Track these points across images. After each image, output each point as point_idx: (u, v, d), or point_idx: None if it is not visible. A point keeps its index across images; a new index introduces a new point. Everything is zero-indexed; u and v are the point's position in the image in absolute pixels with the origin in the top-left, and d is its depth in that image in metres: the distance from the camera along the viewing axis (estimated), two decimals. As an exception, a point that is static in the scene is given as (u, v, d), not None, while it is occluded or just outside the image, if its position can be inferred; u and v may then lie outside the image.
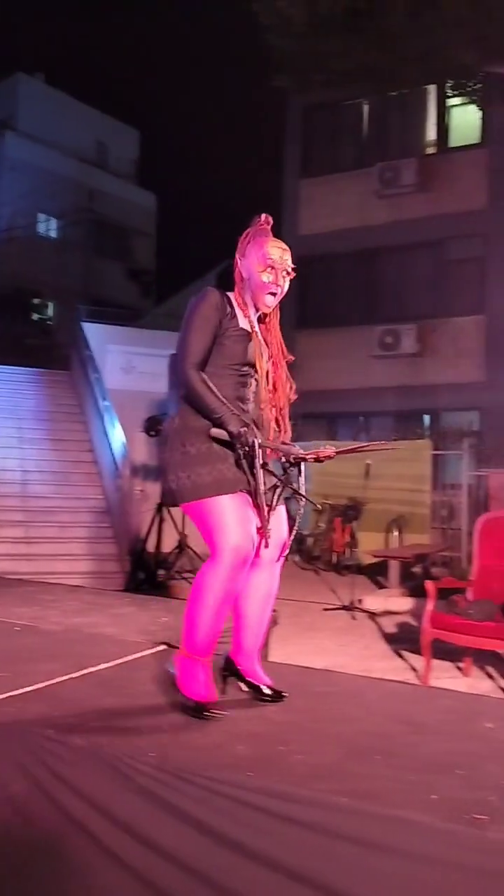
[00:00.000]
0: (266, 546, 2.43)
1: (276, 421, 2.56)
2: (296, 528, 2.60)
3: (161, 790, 1.97)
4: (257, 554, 2.44)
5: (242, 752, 2.12)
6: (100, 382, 10.41)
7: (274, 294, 2.53)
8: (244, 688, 2.56)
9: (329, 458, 2.49)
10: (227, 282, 2.63)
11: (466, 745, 2.24)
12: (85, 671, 2.82)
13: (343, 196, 14.08)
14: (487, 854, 1.67)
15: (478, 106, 11.31)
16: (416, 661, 5.15)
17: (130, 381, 11.73)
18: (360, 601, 7.29)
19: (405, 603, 7.28)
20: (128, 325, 13.89)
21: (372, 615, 7.01)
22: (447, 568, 9.52)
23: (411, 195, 13.47)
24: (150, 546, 8.04)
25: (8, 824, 2.11)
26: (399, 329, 13.07)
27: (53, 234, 21.02)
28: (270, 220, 2.59)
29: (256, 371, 2.52)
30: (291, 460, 2.48)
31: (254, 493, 2.38)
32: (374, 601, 7.30)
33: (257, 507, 2.39)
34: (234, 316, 2.50)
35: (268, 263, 2.50)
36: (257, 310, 2.56)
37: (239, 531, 2.35)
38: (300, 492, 2.50)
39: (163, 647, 3.27)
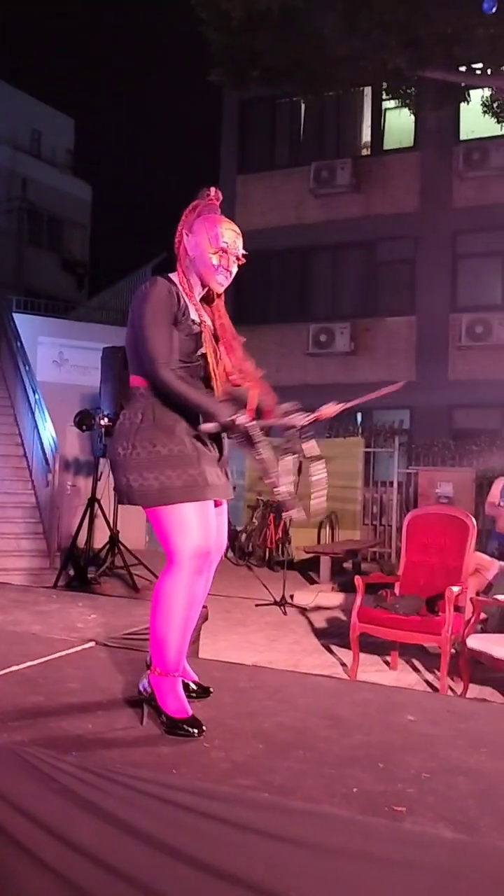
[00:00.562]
0: (285, 513, 2.26)
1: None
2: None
3: (83, 790, 1.95)
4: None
5: (166, 749, 2.11)
6: (30, 375, 10.20)
7: (225, 277, 2.41)
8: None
9: (332, 416, 2.38)
10: (161, 273, 2.50)
11: (386, 737, 2.28)
12: (7, 670, 2.76)
13: (279, 193, 14.14)
14: (405, 846, 1.71)
15: (411, 110, 11.49)
16: (345, 655, 5.22)
17: (62, 374, 11.53)
18: (291, 597, 7.36)
19: (335, 598, 7.37)
20: (60, 316, 13.64)
21: (303, 610, 7.08)
22: (378, 563, 9.70)
23: (346, 195, 13.63)
24: (81, 542, 7.93)
25: None
26: (333, 327, 13.22)
27: (-16, 222, 20.50)
28: (220, 195, 2.45)
29: (216, 362, 2.38)
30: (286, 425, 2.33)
31: (267, 475, 2.23)
32: (305, 596, 7.37)
33: (271, 484, 2.24)
34: (185, 307, 2.35)
35: (220, 246, 2.36)
36: (203, 287, 2.43)
37: (200, 534, 2.28)
38: (308, 455, 2.34)
39: (90, 644, 3.23)
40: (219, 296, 2.48)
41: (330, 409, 2.39)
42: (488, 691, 4.55)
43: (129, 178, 28.36)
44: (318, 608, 7.13)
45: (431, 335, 13.03)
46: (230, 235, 2.39)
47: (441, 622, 4.41)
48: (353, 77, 9.96)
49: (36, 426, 9.28)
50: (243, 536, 10.34)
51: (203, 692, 2.53)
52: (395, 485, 10.38)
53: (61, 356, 11.70)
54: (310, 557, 8.66)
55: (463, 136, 13.03)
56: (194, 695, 2.48)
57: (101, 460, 8.08)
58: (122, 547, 7.82)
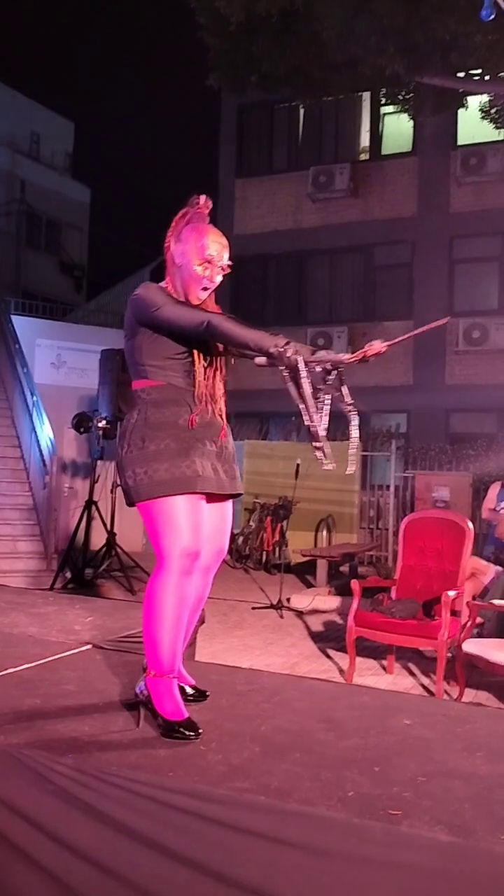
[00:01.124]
0: (322, 463, 2.24)
1: (215, 396, 2.45)
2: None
3: (80, 792, 1.95)
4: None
5: (162, 752, 2.11)
6: (28, 377, 10.20)
7: (206, 289, 2.43)
8: None
9: (378, 354, 2.32)
10: (160, 279, 2.54)
11: (383, 741, 2.28)
12: (4, 672, 2.76)
13: (277, 197, 14.18)
14: (401, 849, 1.71)
15: (409, 115, 11.53)
16: (342, 658, 5.22)
17: (60, 376, 11.53)
18: (287, 600, 7.36)
19: (332, 601, 7.37)
20: (58, 319, 13.65)
21: (299, 614, 7.08)
22: (374, 567, 9.70)
23: (343, 200, 13.67)
24: (78, 544, 7.93)
25: None
26: (330, 331, 13.24)
27: (-17, 224, 20.50)
28: (210, 203, 2.48)
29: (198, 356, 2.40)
30: (328, 367, 2.26)
31: (307, 413, 2.18)
32: (302, 600, 7.37)
33: (309, 423, 2.20)
34: None
35: (205, 258, 2.39)
36: (186, 300, 2.45)
37: (189, 534, 2.28)
38: (346, 400, 2.30)
39: (87, 647, 3.23)
40: (209, 295, 2.49)
41: (376, 347, 2.32)
42: (484, 695, 4.55)
43: (128, 181, 28.39)
44: (314, 612, 7.13)
45: (428, 339, 13.04)
46: (216, 247, 2.40)
47: (437, 626, 4.41)
48: (351, 82, 10.00)
49: (33, 428, 9.28)
50: (240, 539, 10.34)
51: (200, 695, 2.53)
52: (392, 488, 10.39)
53: (59, 358, 11.71)
54: (306, 561, 8.65)
55: (461, 142, 13.08)
56: (191, 698, 2.48)
57: (99, 462, 8.09)
58: (119, 549, 7.82)
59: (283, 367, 2.18)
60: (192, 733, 2.20)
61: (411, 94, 10.41)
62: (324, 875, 1.70)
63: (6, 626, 3.61)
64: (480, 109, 10.41)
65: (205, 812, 1.83)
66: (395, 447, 10.68)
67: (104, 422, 7.80)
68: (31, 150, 21.68)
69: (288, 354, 2.16)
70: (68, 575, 7.78)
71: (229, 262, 2.44)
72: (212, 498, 2.42)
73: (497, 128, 10.53)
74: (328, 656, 5.51)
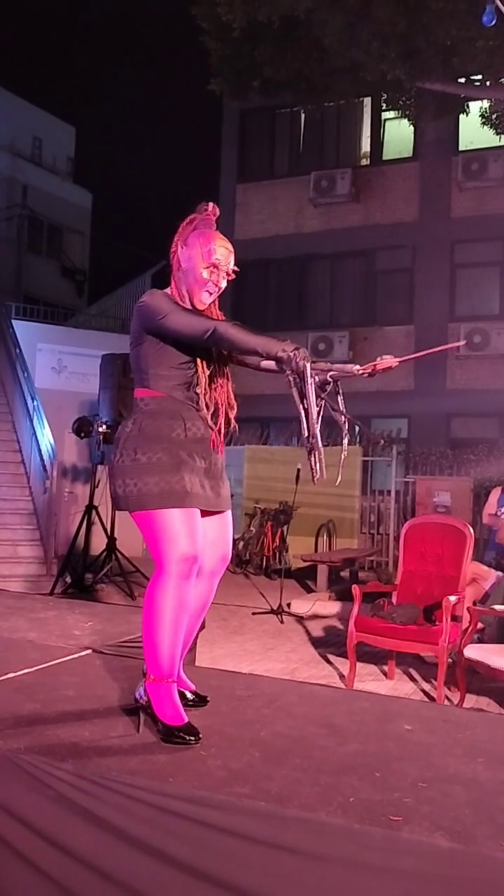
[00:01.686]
0: (316, 477, 2.22)
1: (219, 403, 2.45)
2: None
3: (79, 797, 1.94)
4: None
5: (162, 757, 2.11)
6: (29, 381, 10.21)
7: (211, 293, 2.45)
8: None
9: (389, 368, 2.34)
10: (162, 284, 2.56)
11: (383, 746, 2.27)
12: (3, 677, 2.76)
13: (278, 202, 14.20)
14: (401, 855, 1.70)
15: (410, 120, 11.56)
16: (342, 664, 5.22)
17: (61, 381, 11.55)
18: (288, 605, 7.35)
19: (332, 607, 7.36)
20: (59, 323, 13.66)
21: (300, 619, 7.07)
22: (375, 572, 9.69)
23: (345, 204, 13.70)
24: (78, 549, 7.92)
25: None
26: (332, 336, 13.25)
27: (-15, 229, 20.53)
28: (217, 211, 2.50)
29: (202, 364, 2.41)
30: (335, 376, 2.29)
31: (306, 420, 2.19)
32: (303, 605, 7.36)
33: (308, 429, 2.19)
34: None
35: (212, 262, 2.40)
36: (191, 304, 2.46)
37: (186, 539, 2.28)
38: (343, 412, 2.33)
39: (87, 652, 3.22)
40: (213, 302, 2.50)
41: (387, 361, 2.34)
42: (485, 701, 4.54)
43: (130, 185, 28.44)
44: (315, 617, 7.12)
45: (430, 344, 12.98)
46: (223, 252, 2.43)
47: (438, 632, 4.41)
48: (352, 88, 10.04)
49: (34, 433, 9.28)
50: (241, 544, 10.34)
51: (200, 701, 2.53)
52: (393, 494, 10.39)
53: (60, 363, 11.72)
54: (307, 566, 8.65)
55: (462, 147, 13.11)
56: (191, 703, 2.48)
57: (99, 467, 8.09)
58: (119, 554, 7.82)
59: (290, 372, 2.19)
60: (191, 738, 2.20)
61: (412, 100, 10.43)
62: (324, 881, 1.70)
63: (6, 630, 3.60)
64: (481, 115, 10.43)
65: (204, 817, 1.82)
66: (396, 452, 10.69)
67: (105, 426, 7.80)
68: (32, 154, 21.73)
69: (298, 360, 2.17)
70: (68, 580, 7.78)
71: (235, 268, 2.46)
72: (206, 510, 2.42)
73: (498, 133, 10.54)
74: (328, 661, 5.50)
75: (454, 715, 2.79)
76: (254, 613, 7.24)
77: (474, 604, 5.10)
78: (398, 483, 10.49)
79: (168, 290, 2.46)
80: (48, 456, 8.62)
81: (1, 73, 21.36)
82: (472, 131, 12.18)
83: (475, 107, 10.62)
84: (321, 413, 2.25)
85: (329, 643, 6.08)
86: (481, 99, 10.28)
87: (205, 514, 2.42)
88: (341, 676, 5.01)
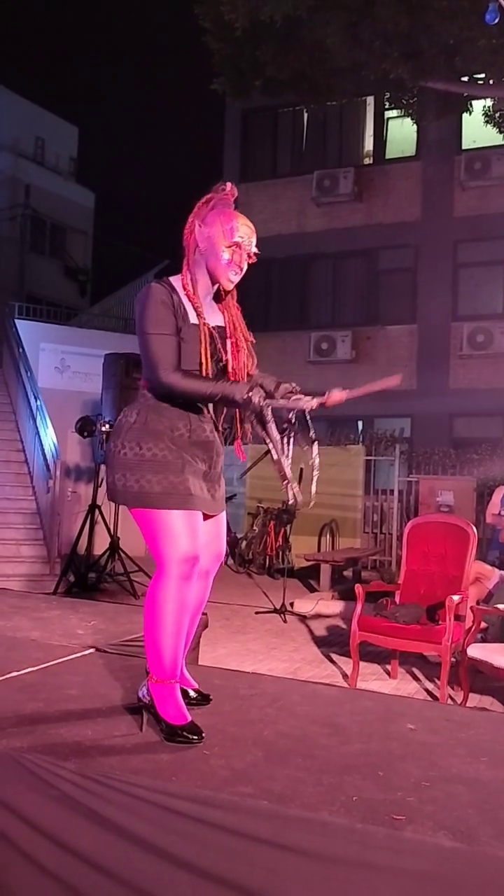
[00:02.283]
0: (290, 503, 2.29)
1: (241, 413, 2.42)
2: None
3: (82, 796, 1.94)
4: None
5: (165, 756, 2.11)
6: (32, 381, 10.22)
7: (236, 273, 2.35)
8: None
9: (338, 403, 2.35)
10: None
11: (386, 746, 2.27)
12: (6, 676, 2.76)
13: (281, 202, 14.19)
14: (404, 854, 1.70)
15: (413, 120, 11.54)
16: (345, 663, 5.21)
17: (64, 381, 11.55)
18: (291, 604, 7.35)
19: (335, 606, 7.36)
20: (62, 323, 13.68)
21: (303, 618, 7.07)
22: (378, 572, 9.68)
23: (347, 204, 13.68)
24: (81, 548, 7.93)
25: None
26: (334, 335, 13.24)
27: (-13, 229, 20.55)
28: (236, 191, 2.41)
29: (209, 364, 2.33)
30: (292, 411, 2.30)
31: (272, 452, 2.25)
32: (305, 604, 7.36)
33: (276, 462, 2.26)
34: (184, 311, 2.30)
35: (234, 241, 2.31)
36: (214, 282, 2.37)
37: (187, 539, 2.25)
38: (311, 436, 2.34)
39: (90, 651, 3.22)
40: (229, 291, 2.44)
41: (336, 396, 2.35)
42: (488, 700, 4.54)
43: (132, 185, 28.47)
44: (318, 616, 7.12)
45: (432, 344, 13.05)
46: (245, 231, 2.34)
47: (441, 631, 4.40)
48: (355, 87, 10.02)
49: (37, 432, 9.29)
50: (243, 544, 10.33)
51: (203, 699, 2.53)
52: (396, 493, 10.38)
53: (63, 362, 11.73)
54: (310, 565, 8.65)
55: (465, 146, 13.08)
56: (194, 702, 2.48)
57: (102, 467, 8.08)
58: (122, 553, 7.82)
59: (249, 414, 2.24)
60: (194, 737, 2.19)
61: (415, 99, 10.42)
62: (326, 880, 1.70)
63: (9, 630, 3.61)
64: (484, 114, 10.41)
65: (207, 817, 1.83)
66: (399, 451, 10.68)
67: (108, 426, 7.80)
68: (35, 154, 21.76)
69: (254, 401, 2.20)
70: (71, 579, 7.78)
71: (256, 250, 2.36)
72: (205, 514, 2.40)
73: (501, 132, 10.52)
74: (331, 661, 5.50)
75: (457, 714, 2.79)
76: (257, 613, 7.24)
77: (477, 603, 5.09)
78: (401, 482, 10.48)
79: (175, 278, 2.36)
80: (51, 455, 8.63)
81: (3, 72, 21.42)
82: (475, 130, 12.15)
83: (478, 105, 10.60)
84: (289, 445, 2.30)
85: (332, 642, 6.07)
86: (484, 98, 10.26)
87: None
88: (344, 676, 5.01)
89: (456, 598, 4.48)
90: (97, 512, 7.95)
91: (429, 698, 4.59)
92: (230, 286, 2.39)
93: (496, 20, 6.74)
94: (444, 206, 13.20)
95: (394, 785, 1.98)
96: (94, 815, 1.92)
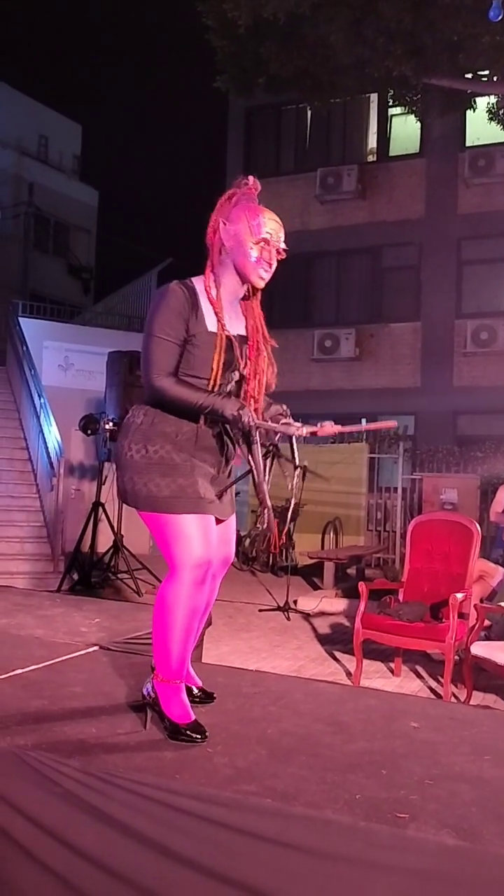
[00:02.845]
0: (265, 526, 2.30)
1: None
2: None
3: (86, 794, 1.95)
4: None
5: (169, 754, 2.11)
6: (36, 379, 10.22)
7: (266, 272, 2.28)
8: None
9: (330, 435, 2.32)
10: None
11: (389, 744, 2.27)
12: (10, 673, 2.76)
13: (284, 199, 14.16)
14: (408, 852, 1.70)
15: (417, 117, 11.52)
16: (349, 661, 5.22)
17: (67, 379, 11.56)
18: (294, 602, 7.35)
19: (339, 604, 7.36)
20: (66, 321, 13.67)
21: (306, 616, 7.07)
22: (381, 569, 9.68)
23: (351, 201, 13.66)
24: (85, 546, 7.94)
25: None
26: (338, 333, 13.24)
27: (-9, 227, 20.57)
28: (258, 185, 2.31)
29: (220, 374, 2.27)
30: (276, 433, 2.27)
31: (253, 474, 2.21)
32: (309, 602, 7.36)
33: (255, 486, 2.22)
34: (201, 316, 2.23)
35: (263, 237, 2.23)
36: (243, 283, 2.30)
37: (201, 544, 2.21)
38: (295, 462, 2.31)
39: (94, 648, 3.23)
40: (254, 294, 2.38)
41: (328, 429, 2.32)
42: (492, 698, 4.53)
43: (136, 183, 28.47)
44: (321, 614, 7.12)
45: (436, 341, 13.03)
46: (273, 226, 2.26)
47: (445, 629, 4.40)
48: (358, 84, 10.00)
49: (41, 430, 9.30)
50: (247, 541, 10.34)
51: (206, 697, 2.53)
52: (400, 491, 10.36)
53: (67, 360, 11.74)
54: (313, 563, 8.64)
55: (468, 143, 13.05)
56: (197, 700, 2.48)
57: (106, 464, 8.10)
58: (126, 551, 7.83)
59: (237, 431, 2.21)
60: (198, 736, 2.19)
61: (419, 96, 10.39)
62: (330, 878, 1.70)
63: (13, 627, 3.62)
64: (488, 111, 10.38)
65: (211, 815, 1.83)
66: (403, 449, 10.66)
67: (111, 424, 7.81)
68: (38, 152, 21.76)
69: (244, 420, 2.15)
70: (75, 577, 7.79)
71: (285, 246, 2.29)
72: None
73: (505, 129, 10.50)
74: (335, 659, 5.50)
75: (461, 712, 2.79)
76: (260, 610, 7.24)
77: (481, 601, 5.09)
78: (405, 480, 10.47)
79: (197, 279, 2.29)
80: (55, 453, 8.64)
81: (7, 71, 21.45)
82: (479, 127, 12.12)
83: (482, 102, 10.57)
84: (270, 470, 2.30)
85: (335, 640, 6.07)
86: (488, 94, 10.24)
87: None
88: (348, 674, 5.01)
89: (459, 595, 4.47)
90: (101, 510, 7.96)
91: (432, 696, 4.59)
92: (261, 284, 2.31)
93: (500, 17, 6.73)
94: (447, 204, 13.18)
95: (397, 783, 1.98)
96: (97, 812, 1.92)
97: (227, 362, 2.27)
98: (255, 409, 2.34)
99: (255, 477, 2.22)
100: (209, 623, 3.76)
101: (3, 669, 2.79)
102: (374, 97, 13.72)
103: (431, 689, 4.78)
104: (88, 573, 7.77)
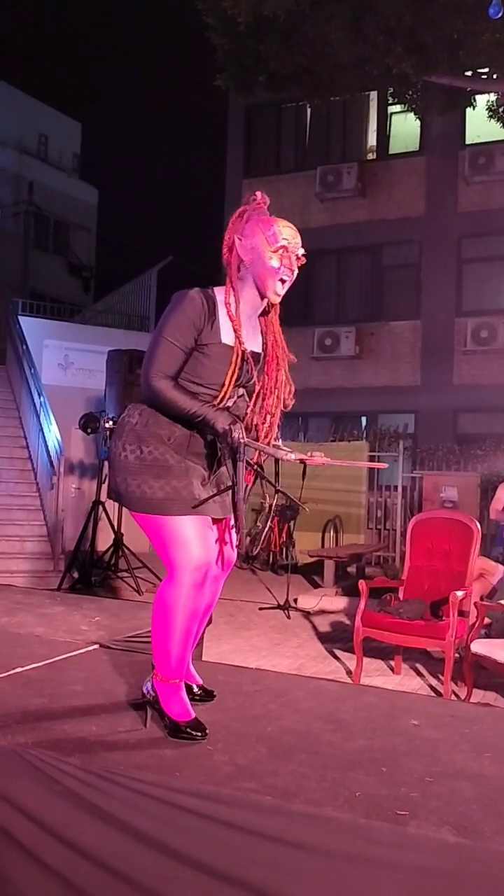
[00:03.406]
0: (236, 547, 2.29)
1: (258, 427, 2.35)
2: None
3: (86, 792, 1.95)
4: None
5: (169, 752, 2.11)
6: (36, 377, 10.22)
7: (283, 281, 2.26)
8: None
9: (317, 465, 2.32)
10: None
11: (390, 741, 2.27)
12: (10, 672, 2.77)
13: (284, 197, 14.15)
14: (408, 850, 1.70)
15: (417, 115, 11.51)
16: (349, 659, 5.22)
17: (67, 377, 11.56)
18: (295, 600, 7.35)
19: (339, 602, 7.36)
20: (66, 320, 13.67)
21: (306, 614, 7.07)
22: (382, 568, 9.69)
23: (351, 199, 13.65)
24: (85, 545, 7.94)
25: None
26: (338, 331, 13.23)
27: (-9, 225, 20.56)
28: (267, 199, 2.35)
29: (231, 388, 2.25)
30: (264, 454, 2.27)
31: (233, 492, 2.21)
32: (309, 600, 7.36)
33: (234, 505, 2.21)
34: (216, 327, 2.23)
35: (280, 244, 2.22)
36: (262, 297, 2.29)
37: (199, 546, 2.20)
38: (278, 488, 2.30)
39: (94, 646, 3.23)
40: (273, 307, 2.38)
41: (317, 459, 2.32)
42: (492, 696, 4.54)
43: (136, 182, 28.46)
44: (321, 612, 7.12)
45: (436, 339, 13.03)
46: (289, 232, 2.26)
47: (445, 627, 4.40)
48: (358, 82, 9.99)
49: (41, 429, 9.30)
50: (247, 540, 10.31)
51: (207, 695, 2.53)
52: (400, 489, 10.36)
53: (67, 359, 11.73)
54: (314, 561, 8.64)
55: (469, 141, 13.03)
56: (198, 698, 2.48)
57: (106, 463, 8.10)
58: (126, 550, 7.83)
59: (225, 446, 2.19)
60: (198, 734, 2.19)
61: (419, 94, 10.39)
62: (330, 876, 1.70)
63: (13, 626, 3.62)
64: (488, 108, 10.37)
65: (211, 812, 1.83)
66: (403, 447, 10.66)
67: (111, 422, 7.80)
68: (38, 151, 21.74)
69: (234, 436, 2.14)
70: (75, 575, 7.79)
71: (303, 251, 2.29)
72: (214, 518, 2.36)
73: (505, 127, 10.49)
74: (335, 657, 5.50)
75: (461, 710, 2.79)
76: (260, 609, 7.24)
77: (481, 599, 5.09)
78: (405, 478, 10.46)
79: (219, 290, 2.28)
80: (55, 452, 8.64)
81: (7, 69, 21.41)
82: (479, 125, 12.10)
83: (482, 100, 10.57)
84: (248, 491, 2.28)
85: (336, 638, 6.08)
86: (488, 92, 10.22)
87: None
88: (348, 672, 5.01)
89: (460, 593, 4.47)
90: (101, 508, 7.96)
91: (432, 694, 4.59)
92: (277, 298, 2.29)
93: (500, 14, 6.73)
94: (447, 202, 13.17)
95: (397, 781, 1.98)
96: (97, 810, 1.92)
97: (238, 377, 2.27)
98: (271, 425, 2.35)
99: (235, 494, 2.21)
100: (209, 621, 3.77)
101: (4, 668, 2.80)
102: (374, 95, 13.71)
103: (432, 687, 4.78)
104: (89, 572, 7.77)
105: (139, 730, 2.27)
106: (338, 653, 5.59)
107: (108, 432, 7.79)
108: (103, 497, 7.91)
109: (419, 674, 5.07)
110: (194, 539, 2.21)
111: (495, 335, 12.19)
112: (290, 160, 14.67)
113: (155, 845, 1.83)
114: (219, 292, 2.29)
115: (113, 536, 7.95)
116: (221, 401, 2.26)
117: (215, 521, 2.37)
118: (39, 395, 9.74)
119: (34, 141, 21.62)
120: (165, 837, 1.83)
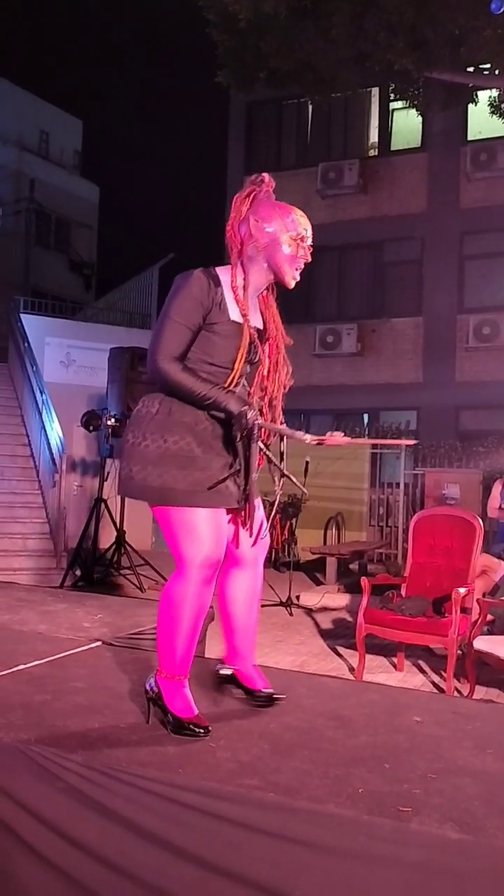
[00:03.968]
0: (250, 534, 2.25)
1: (262, 409, 2.31)
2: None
3: (89, 788, 1.95)
4: (236, 556, 2.32)
5: (171, 749, 2.11)
6: (38, 375, 10.22)
7: (298, 270, 2.26)
8: (238, 693, 2.45)
9: (338, 445, 2.31)
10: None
11: (392, 738, 2.27)
12: (13, 669, 2.77)
13: (286, 194, 13.85)
14: (411, 846, 1.70)
15: (418, 111, 11.48)
16: (351, 656, 5.22)
17: (69, 375, 11.56)
18: (297, 597, 7.34)
19: (341, 599, 7.36)
20: (67, 317, 13.67)
21: (309, 611, 7.07)
22: (384, 565, 9.69)
23: (353, 196, 13.63)
24: (88, 542, 7.94)
25: None
26: (340, 328, 13.22)
27: (-8, 223, 20.55)
28: (273, 183, 2.32)
29: (239, 367, 2.23)
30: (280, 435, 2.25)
31: (244, 478, 2.17)
32: (311, 597, 7.36)
33: (245, 493, 2.18)
34: (224, 306, 2.20)
35: (300, 233, 2.22)
36: (274, 280, 2.29)
37: (210, 542, 2.17)
38: (286, 473, 2.30)
39: (97, 644, 3.23)
40: (269, 287, 2.36)
41: (337, 439, 2.32)
42: (495, 693, 4.53)
43: (137, 179, 28.42)
44: (324, 609, 7.12)
45: (438, 336, 13.01)
46: (305, 222, 2.26)
47: (447, 624, 4.40)
48: (360, 78, 9.98)
49: (43, 426, 9.30)
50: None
51: (269, 700, 2.43)
52: (402, 486, 10.36)
53: (68, 357, 11.73)
54: (316, 558, 8.65)
55: (470, 137, 13.01)
56: (262, 703, 2.41)
57: (108, 461, 8.10)
58: (128, 547, 7.83)
59: (238, 429, 2.15)
60: (201, 730, 2.19)
61: (420, 90, 10.36)
62: (332, 872, 1.70)
63: (16, 623, 3.62)
64: (490, 104, 10.34)
65: (213, 809, 1.83)
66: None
67: (113, 420, 7.81)
68: (40, 148, 21.73)
69: (248, 417, 2.13)
70: (78, 573, 7.80)
71: (311, 243, 2.28)
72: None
73: (507, 123, 10.46)
74: (338, 654, 5.50)
75: (464, 707, 2.79)
76: (262, 606, 7.21)
77: (484, 595, 5.08)
78: (407, 475, 10.46)
79: (222, 269, 2.26)
80: (57, 450, 8.65)
81: (8, 66, 21.37)
82: (481, 121, 12.07)
83: (484, 96, 10.54)
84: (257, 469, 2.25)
85: (338, 635, 6.07)
86: (490, 88, 10.20)
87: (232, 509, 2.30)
88: (351, 669, 5.02)
89: (462, 590, 4.47)
90: (103, 506, 7.96)
91: (435, 691, 4.59)
92: (292, 284, 2.29)
93: (501, 10, 6.70)
94: (449, 198, 13.15)
95: (400, 777, 1.98)
96: (100, 807, 1.92)
97: (248, 353, 2.27)
98: (274, 407, 2.34)
99: (248, 476, 2.19)
100: (212, 618, 3.77)
101: (7, 665, 2.80)
102: (375, 91, 13.68)
103: (434, 684, 4.78)
104: (91, 569, 7.77)
105: (141, 726, 2.27)
106: (340, 650, 5.59)
107: (109, 430, 7.79)
108: (105, 494, 7.92)
109: (422, 671, 5.07)
110: (207, 534, 2.18)
111: (497, 332, 12.17)
112: (291, 157, 14.65)
113: (157, 842, 1.83)
114: (222, 272, 2.27)
115: (115, 534, 7.96)
116: (232, 381, 2.23)
117: (230, 510, 2.31)
118: (41, 392, 9.74)
119: (35, 138, 21.60)
120: (168, 834, 1.83)
